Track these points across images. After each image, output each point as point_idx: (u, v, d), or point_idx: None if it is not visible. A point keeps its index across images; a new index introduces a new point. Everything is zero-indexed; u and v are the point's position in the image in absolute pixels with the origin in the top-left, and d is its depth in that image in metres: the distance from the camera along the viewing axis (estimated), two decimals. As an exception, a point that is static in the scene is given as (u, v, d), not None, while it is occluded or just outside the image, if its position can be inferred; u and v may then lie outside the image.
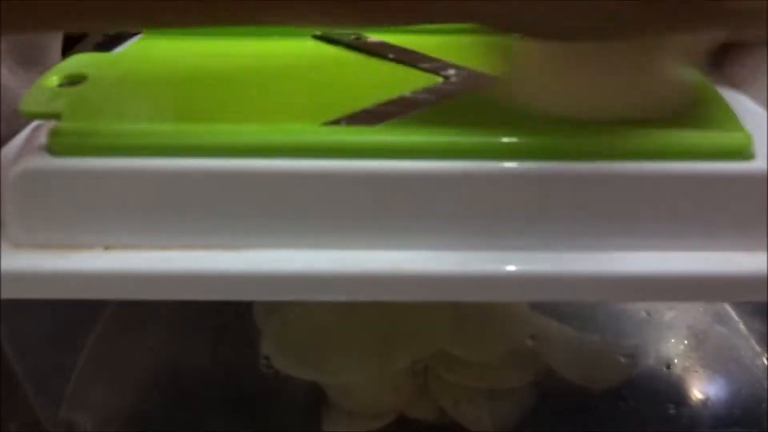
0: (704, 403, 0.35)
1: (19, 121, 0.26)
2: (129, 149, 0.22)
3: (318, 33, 0.32)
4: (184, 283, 0.23)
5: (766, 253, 0.23)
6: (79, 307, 0.36)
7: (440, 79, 0.28)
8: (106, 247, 0.23)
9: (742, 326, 0.39)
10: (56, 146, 0.22)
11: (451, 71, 0.28)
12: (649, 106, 0.24)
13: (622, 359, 0.36)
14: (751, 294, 0.24)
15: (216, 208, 0.23)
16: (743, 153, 0.23)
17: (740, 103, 0.26)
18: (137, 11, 0.21)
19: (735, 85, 0.28)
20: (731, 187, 0.23)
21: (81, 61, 0.28)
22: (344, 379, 0.33)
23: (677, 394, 0.35)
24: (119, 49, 0.31)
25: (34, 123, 0.25)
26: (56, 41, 0.45)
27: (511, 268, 0.23)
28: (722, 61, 0.30)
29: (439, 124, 0.24)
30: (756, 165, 0.23)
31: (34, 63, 0.44)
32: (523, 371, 0.34)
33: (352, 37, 0.31)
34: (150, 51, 0.31)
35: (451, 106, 0.26)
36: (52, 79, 0.26)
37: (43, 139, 0.23)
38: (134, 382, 0.36)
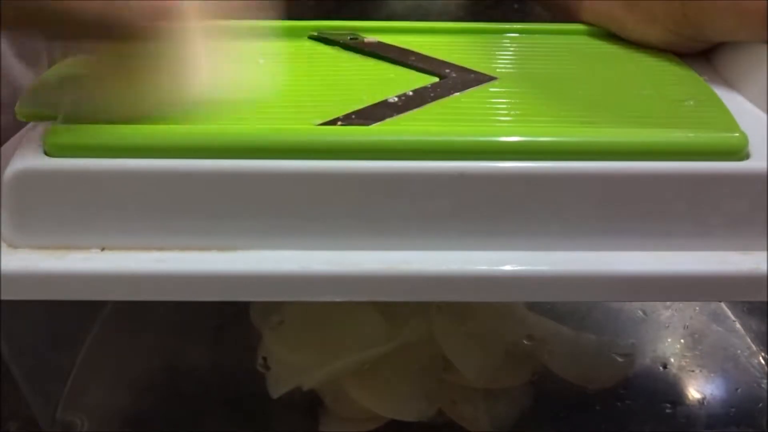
0: (701, 402, 0.35)
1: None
2: (125, 150, 0.22)
3: (314, 33, 0.32)
4: (181, 283, 0.23)
5: (762, 252, 0.23)
6: (76, 307, 0.36)
7: (436, 79, 0.28)
8: (103, 248, 0.23)
9: (738, 325, 0.39)
10: (52, 147, 0.22)
11: (447, 71, 0.28)
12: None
13: (619, 359, 0.36)
14: (748, 293, 0.24)
15: (212, 209, 0.23)
16: (739, 153, 0.23)
17: (736, 103, 0.27)
18: None
19: (731, 85, 0.28)
20: (727, 187, 0.23)
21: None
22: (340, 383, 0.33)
23: (674, 393, 0.35)
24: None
25: (31, 124, 0.25)
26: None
27: (507, 268, 0.23)
28: (718, 61, 0.30)
29: (435, 124, 0.24)
30: (752, 165, 0.23)
31: (33, 63, 0.44)
32: (520, 371, 0.34)
33: (349, 37, 0.31)
34: None
35: (448, 105, 0.26)
36: (49, 81, 0.26)
37: (39, 140, 0.23)
38: (131, 383, 0.36)
